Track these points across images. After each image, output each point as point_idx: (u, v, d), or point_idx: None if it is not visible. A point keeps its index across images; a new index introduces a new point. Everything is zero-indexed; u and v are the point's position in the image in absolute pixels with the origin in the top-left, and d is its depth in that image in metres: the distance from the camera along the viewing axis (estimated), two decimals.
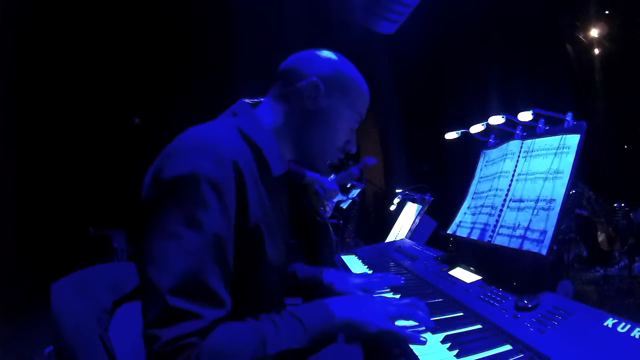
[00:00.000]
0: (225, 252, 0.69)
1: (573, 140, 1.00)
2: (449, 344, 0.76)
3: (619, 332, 0.63)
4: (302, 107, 0.89)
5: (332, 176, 2.87)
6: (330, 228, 2.38)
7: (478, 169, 1.45)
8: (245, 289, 0.77)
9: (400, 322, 0.81)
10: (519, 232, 1.03)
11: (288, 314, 0.73)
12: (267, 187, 0.83)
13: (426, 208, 2.25)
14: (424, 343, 0.75)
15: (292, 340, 0.69)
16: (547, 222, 0.95)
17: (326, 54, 0.93)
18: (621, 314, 0.66)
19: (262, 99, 0.95)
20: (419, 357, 0.73)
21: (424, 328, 0.81)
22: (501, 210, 1.16)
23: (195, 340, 0.62)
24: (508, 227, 1.09)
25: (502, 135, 1.36)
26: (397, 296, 1.11)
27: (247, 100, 0.94)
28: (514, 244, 1.02)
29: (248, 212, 0.75)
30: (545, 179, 1.03)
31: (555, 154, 1.03)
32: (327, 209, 2.57)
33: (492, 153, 1.39)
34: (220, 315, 0.66)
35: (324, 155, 0.94)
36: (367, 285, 1.12)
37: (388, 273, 1.26)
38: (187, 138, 0.75)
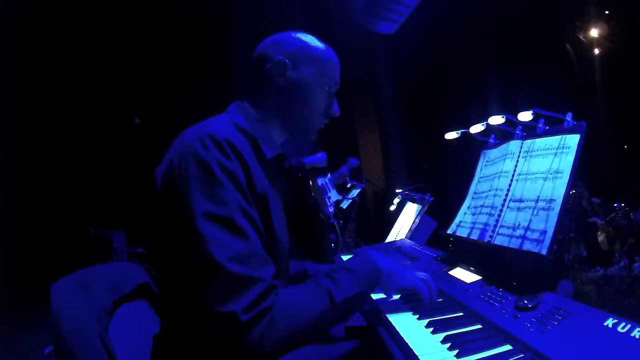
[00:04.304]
0: (252, 217, 0.76)
1: (573, 140, 1.00)
2: (449, 344, 0.76)
3: (619, 332, 0.63)
4: (276, 86, 0.96)
5: (328, 175, 2.86)
6: (337, 227, 2.37)
7: (478, 169, 1.45)
8: None
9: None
10: (519, 232, 1.03)
11: (341, 269, 0.86)
12: (264, 170, 0.89)
13: (426, 208, 2.24)
14: (436, 300, 0.97)
15: (351, 288, 0.82)
16: (547, 222, 0.95)
17: (289, 33, 1.00)
18: (621, 314, 0.66)
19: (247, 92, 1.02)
20: (419, 357, 0.73)
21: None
22: (501, 210, 1.16)
23: (270, 303, 0.69)
24: (508, 227, 1.09)
25: (502, 135, 1.35)
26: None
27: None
28: (514, 244, 1.02)
29: (254, 183, 0.81)
30: (545, 179, 1.03)
31: (555, 154, 1.03)
32: (330, 207, 2.56)
33: (492, 153, 1.39)
34: (272, 270, 0.74)
35: (310, 124, 1.01)
36: None
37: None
38: (187, 134, 0.83)
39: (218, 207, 0.72)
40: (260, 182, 0.84)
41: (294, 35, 0.99)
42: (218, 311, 0.66)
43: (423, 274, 1.00)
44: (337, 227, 2.35)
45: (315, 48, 0.98)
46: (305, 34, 1.00)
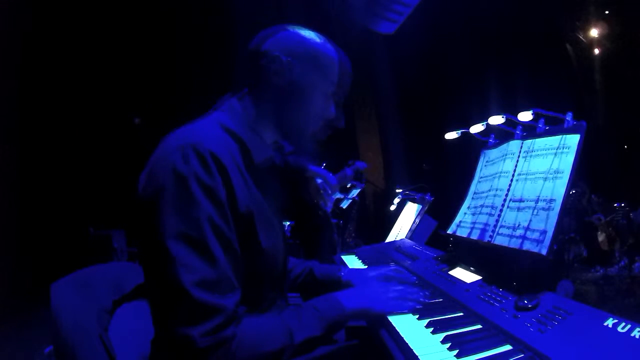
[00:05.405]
0: (227, 239, 0.73)
1: (573, 140, 1.00)
2: (449, 344, 0.76)
3: (619, 332, 0.63)
4: (272, 85, 0.89)
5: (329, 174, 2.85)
6: (334, 226, 2.37)
7: (478, 169, 1.45)
8: (243, 277, 0.78)
9: None
10: (519, 232, 1.03)
11: (308, 307, 0.84)
12: (254, 176, 0.85)
13: (426, 208, 2.24)
14: (425, 301, 0.98)
15: (313, 329, 0.80)
16: (547, 222, 0.95)
17: (290, 28, 0.92)
18: (621, 314, 0.66)
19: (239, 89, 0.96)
20: (419, 357, 0.73)
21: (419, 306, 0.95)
22: (501, 210, 1.16)
23: (230, 333, 0.68)
24: (508, 227, 1.09)
25: (502, 135, 1.35)
26: None
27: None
28: (514, 244, 1.02)
29: (236, 200, 0.77)
30: (545, 179, 1.03)
31: (555, 154, 1.03)
32: (328, 204, 2.55)
33: (492, 153, 1.39)
34: (238, 298, 0.72)
35: (305, 130, 0.93)
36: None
37: (398, 267, 1.31)
38: (170, 140, 0.77)
39: (190, 227, 0.69)
40: (246, 196, 0.79)
41: (296, 31, 0.91)
42: (177, 332, 0.65)
43: (397, 287, 0.98)
44: (334, 226, 2.35)
45: (317, 47, 0.91)
46: (308, 31, 0.93)
